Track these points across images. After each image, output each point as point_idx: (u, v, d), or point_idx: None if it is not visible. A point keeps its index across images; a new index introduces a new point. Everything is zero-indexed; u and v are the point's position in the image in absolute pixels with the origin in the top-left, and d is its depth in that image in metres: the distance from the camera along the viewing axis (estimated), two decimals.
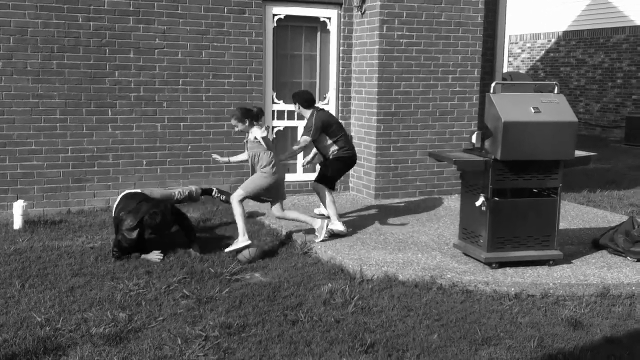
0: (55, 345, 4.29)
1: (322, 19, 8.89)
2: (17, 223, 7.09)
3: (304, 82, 9.17)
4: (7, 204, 7.73)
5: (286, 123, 8.87)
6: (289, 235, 6.92)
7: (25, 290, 5.27)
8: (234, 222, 7.43)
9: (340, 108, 9.07)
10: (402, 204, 8.55)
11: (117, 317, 4.72)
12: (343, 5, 8.90)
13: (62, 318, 4.71)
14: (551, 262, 5.99)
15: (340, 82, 9.07)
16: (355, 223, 7.48)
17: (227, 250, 6.32)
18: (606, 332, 4.76)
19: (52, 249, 6.35)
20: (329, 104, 8.96)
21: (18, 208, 7.09)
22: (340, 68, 9.06)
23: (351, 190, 9.29)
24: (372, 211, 8.14)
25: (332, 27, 8.90)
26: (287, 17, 8.76)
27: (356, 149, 7.79)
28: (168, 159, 8.43)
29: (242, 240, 6.25)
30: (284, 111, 8.84)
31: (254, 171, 6.51)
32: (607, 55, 18.55)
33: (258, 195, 6.52)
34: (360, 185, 9.04)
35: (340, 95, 9.11)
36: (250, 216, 7.59)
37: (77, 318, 4.72)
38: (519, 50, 21.65)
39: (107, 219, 7.40)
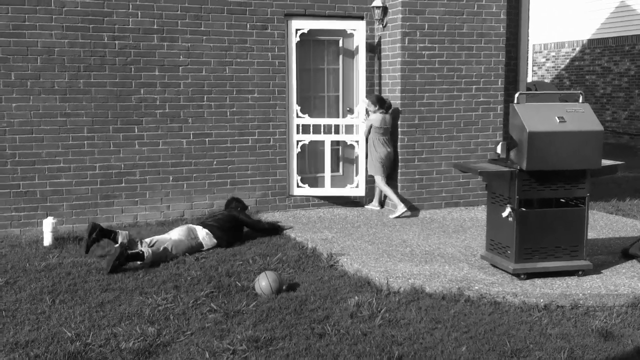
0: None
1: (349, 32, 8.88)
2: (47, 240, 7.21)
3: (327, 96, 9.20)
4: (37, 221, 7.85)
5: (312, 137, 8.87)
6: (315, 248, 6.93)
7: (55, 306, 5.34)
8: (257, 237, 7.47)
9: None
10: (428, 216, 8.51)
11: (146, 331, 4.76)
12: (365, 19, 8.93)
13: (92, 333, 4.76)
14: (580, 273, 5.92)
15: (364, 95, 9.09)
16: (381, 235, 7.47)
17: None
18: (638, 343, 4.68)
19: (82, 265, 6.43)
20: (358, 116, 8.91)
21: (48, 225, 7.20)
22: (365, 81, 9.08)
23: (376, 202, 9.27)
24: (398, 223, 8.12)
25: (359, 39, 8.89)
26: (311, 31, 8.79)
27: None
28: (194, 175, 8.50)
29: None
30: (309, 125, 8.85)
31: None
32: (633, 63, 18.35)
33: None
34: (386, 197, 9.02)
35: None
36: (274, 230, 7.66)
37: (107, 333, 4.77)
38: (544, 60, 21.51)
39: (134, 235, 7.46)
